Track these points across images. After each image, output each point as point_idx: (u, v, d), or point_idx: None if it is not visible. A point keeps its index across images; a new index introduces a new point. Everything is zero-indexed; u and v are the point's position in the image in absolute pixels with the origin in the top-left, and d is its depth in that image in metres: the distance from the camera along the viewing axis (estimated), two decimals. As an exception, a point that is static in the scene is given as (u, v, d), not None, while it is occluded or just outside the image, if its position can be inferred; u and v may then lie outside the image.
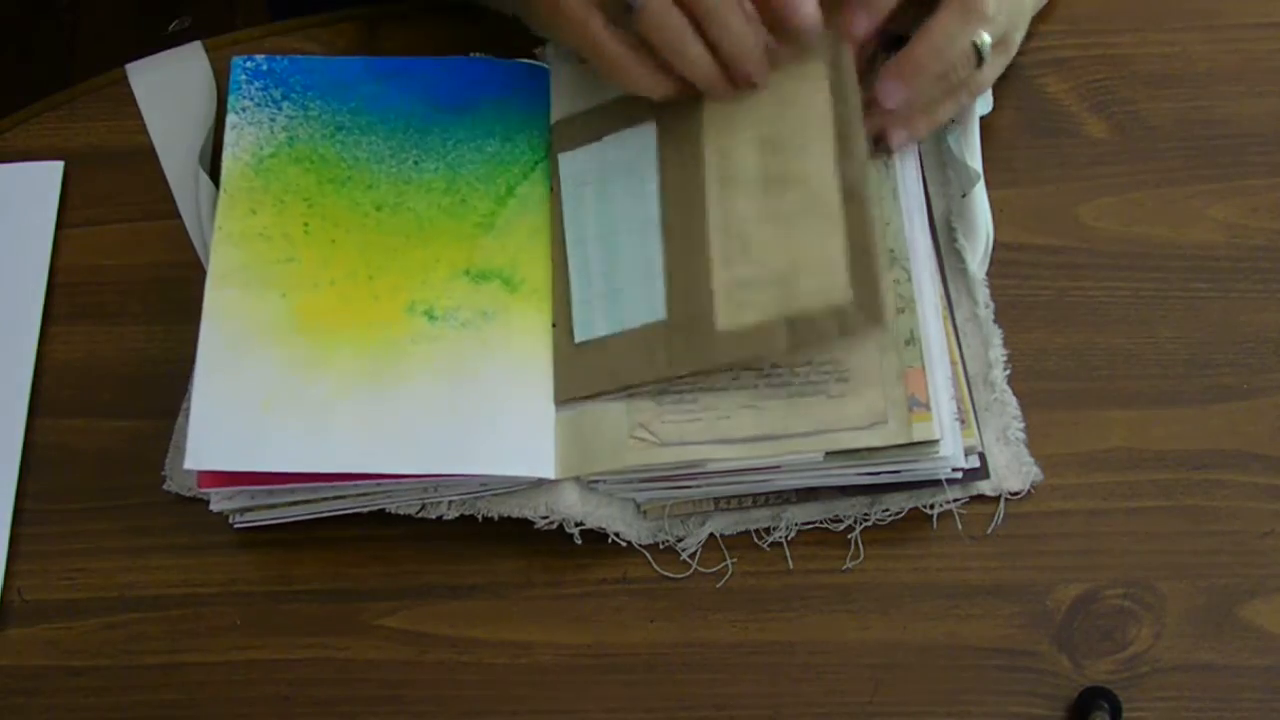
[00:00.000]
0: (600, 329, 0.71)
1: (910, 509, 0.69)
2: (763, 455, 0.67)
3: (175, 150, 0.80)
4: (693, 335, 0.69)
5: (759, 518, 0.70)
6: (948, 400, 0.68)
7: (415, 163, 0.76)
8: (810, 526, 0.70)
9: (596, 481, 0.69)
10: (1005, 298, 0.74)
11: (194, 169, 0.79)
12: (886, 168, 0.72)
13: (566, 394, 0.70)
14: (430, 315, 0.72)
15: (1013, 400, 0.72)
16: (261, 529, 0.70)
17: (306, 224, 0.73)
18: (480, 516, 0.69)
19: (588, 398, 0.69)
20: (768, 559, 0.70)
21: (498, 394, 0.70)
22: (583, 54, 0.71)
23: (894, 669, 0.67)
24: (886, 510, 0.69)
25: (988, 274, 0.74)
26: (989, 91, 0.76)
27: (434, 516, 0.70)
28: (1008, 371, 0.72)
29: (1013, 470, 0.70)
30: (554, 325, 0.72)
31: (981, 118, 0.76)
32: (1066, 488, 0.70)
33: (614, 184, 0.74)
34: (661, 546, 0.70)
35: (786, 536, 0.70)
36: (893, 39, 0.72)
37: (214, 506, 0.69)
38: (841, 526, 0.70)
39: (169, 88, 0.83)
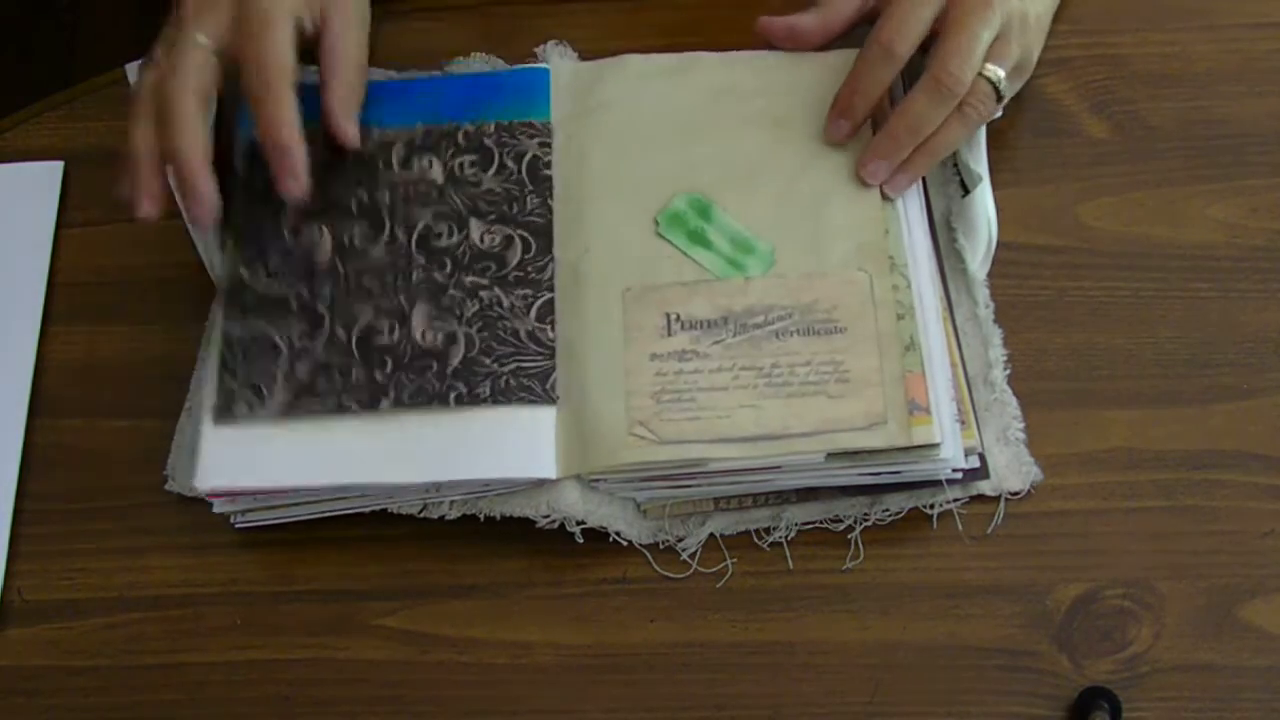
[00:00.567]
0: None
1: (910, 509, 0.69)
2: (762, 455, 0.67)
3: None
4: None
5: (759, 518, 0.70)
6: (948, 403, 0.68)
7: None
8: (810, 526, 0.70)
9: (597, 481, 0.69)
10: (1005, 298, 0.74)
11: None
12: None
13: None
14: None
15: (1013, 400, 0.72)
16: (262, 529, 0.70)
17: None
18: (482, 516, 0.69)
19: (587, 398, 0.69)
20: (768, 559, 0.70)
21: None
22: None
23: (894, 669, 0.67)
24: (886, 510, 0.69)
25: (988, 274, 0.74)
26: None
27: (436, 516, 0.70)
28: (1008, 371, 0.72)
29: (1013, 470, 0.70)
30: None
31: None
32: (1066, 488, 0.70)
33: None
34: (662, 546, 0.70)
35: (786, 536, 0.70)
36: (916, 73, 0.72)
37: (216, 508, 0.69)
38: (841, 526, 0.70)
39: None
